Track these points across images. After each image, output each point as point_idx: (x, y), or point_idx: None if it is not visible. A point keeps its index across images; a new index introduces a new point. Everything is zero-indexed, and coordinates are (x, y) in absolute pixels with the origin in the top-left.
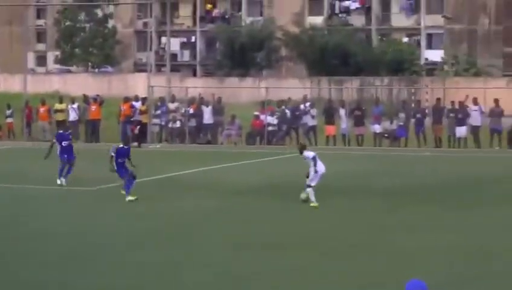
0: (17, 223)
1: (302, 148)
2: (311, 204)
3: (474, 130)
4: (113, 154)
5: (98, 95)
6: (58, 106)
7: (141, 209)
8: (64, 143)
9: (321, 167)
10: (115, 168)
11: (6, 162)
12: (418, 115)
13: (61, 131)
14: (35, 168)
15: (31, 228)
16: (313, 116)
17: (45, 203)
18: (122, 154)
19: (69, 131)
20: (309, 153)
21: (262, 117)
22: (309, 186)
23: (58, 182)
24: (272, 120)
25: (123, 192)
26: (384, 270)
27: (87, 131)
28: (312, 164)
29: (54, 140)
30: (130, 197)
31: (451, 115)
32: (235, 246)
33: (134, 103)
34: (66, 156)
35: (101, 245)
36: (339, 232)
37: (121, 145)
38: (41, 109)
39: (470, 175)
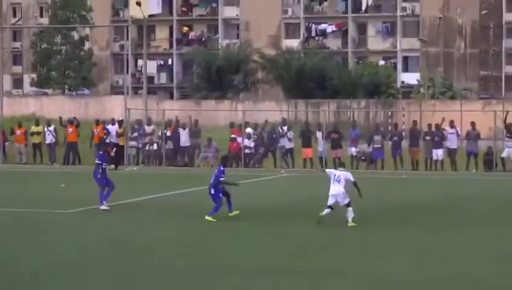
0: None
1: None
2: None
3: (451, 153)
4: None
5: (74, 118)
6: (34, 129)
7: (107, 232)
8: (104, 165)
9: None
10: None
11: None
12: (395, 138)
13: (101, 152)
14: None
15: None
16: (290, 139)
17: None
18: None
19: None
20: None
21: (239, 140)
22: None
23: (102, 207)
24: (249, 143)
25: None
26: None
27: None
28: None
29: (98, 161)
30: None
31: (428, 137)
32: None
33: (110, 125)
34: (105, 178)
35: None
36: (316, 255)
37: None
38: (18, 132)
39: (446, 197)
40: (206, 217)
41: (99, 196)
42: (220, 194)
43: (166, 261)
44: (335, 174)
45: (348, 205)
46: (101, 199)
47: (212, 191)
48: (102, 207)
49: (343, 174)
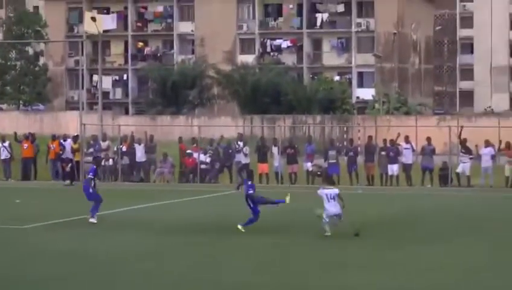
0: None
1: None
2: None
3: (406, 168)
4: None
5: (30, 133)
6: None
7: (64, 248)
8: (95, 179)
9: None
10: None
11: None
12: (351, 153)
13: (94, 166)
14: None
15: None
16: (245, 154)
17: None
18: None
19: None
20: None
21: (195, 155)
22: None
23: (92, 220)
24: (205, 158)
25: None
26: None
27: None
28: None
29: (91, 175)
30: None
31: (383, 153)
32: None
33: (62, 141)
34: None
35: None
36: (277, 269)
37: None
38: None
39: (403, 213)
40: (238, 226)
41: (91, 209)
42: (258, 208)
43: (130, 276)
44: (328, 194)
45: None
46: (93, 213)
47: (252, 205)
48: (92, 220)
49: (334, 191)
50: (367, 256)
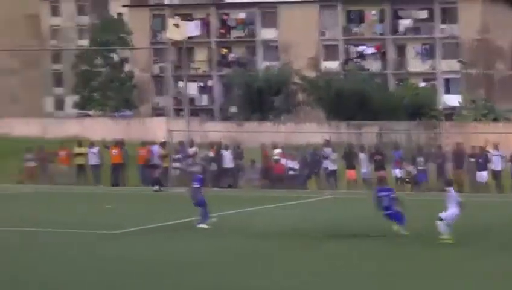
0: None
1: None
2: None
3: (496, 175)
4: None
5: (119, 139)
6: (77, 150)
7: (156, 253)
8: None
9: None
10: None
11: (27, 207)
12: (439, 160)
13: (200, 176)
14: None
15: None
16: (333, 161)
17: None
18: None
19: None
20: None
21: (282, 161)
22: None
23: (202, 225)
24: (293, 164)
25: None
26: None
27: (111, 175)
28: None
29: (198, 185)
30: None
31: (472, 159)
32: None
33: (151, 147)
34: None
35: None
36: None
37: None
38: (61, 153)
39: (493, 221)
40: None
41: (201, 215)
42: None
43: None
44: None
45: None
46: (204, 218)
47: (388, 211)
48: (202, 225)
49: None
50: (458, 265)
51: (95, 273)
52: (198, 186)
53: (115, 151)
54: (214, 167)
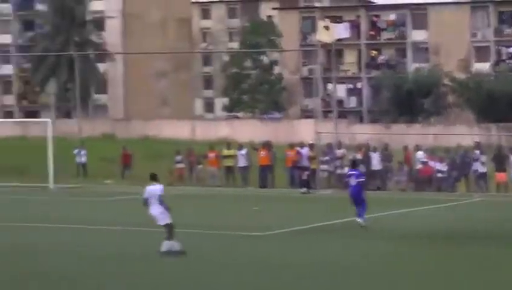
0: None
1: None
2: None
3: None
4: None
5: (267, 141)
6: (226, 152)
7: (305, 256)
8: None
9: None
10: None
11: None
12: None
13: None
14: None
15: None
16: (483, 163)
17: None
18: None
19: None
20: None
21: (431, 163)
22: None
23: (360, 220)
24: (442, 167)
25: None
26: None
27: (259, 176)
28: None
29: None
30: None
31: None
32: None
33: (300, 149)
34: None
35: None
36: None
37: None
38: (210, 155)
39: None
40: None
41: (360, 212)
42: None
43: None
44: None
45: None
46: (361, 214)
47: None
48: (360, 220)
49: None
50: None
51: (247, 275)
52: (362, 180)
53: (263, 153)
54: (362, 169)
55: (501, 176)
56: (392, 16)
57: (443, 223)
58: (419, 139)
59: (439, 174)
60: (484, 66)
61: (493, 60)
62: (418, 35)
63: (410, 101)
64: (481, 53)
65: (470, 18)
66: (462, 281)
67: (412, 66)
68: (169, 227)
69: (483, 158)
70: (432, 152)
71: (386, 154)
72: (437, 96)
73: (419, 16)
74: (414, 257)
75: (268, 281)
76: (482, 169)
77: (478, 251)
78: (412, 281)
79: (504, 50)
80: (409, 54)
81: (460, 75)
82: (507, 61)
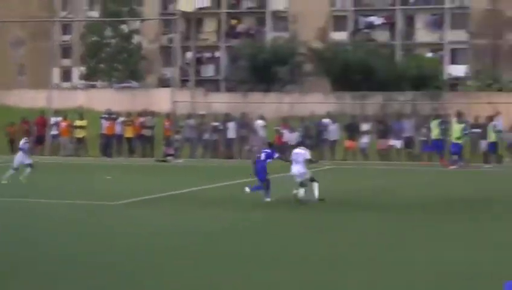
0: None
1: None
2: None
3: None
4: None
5: (110, 111)
6: (78, 123)
7: (151, 224)
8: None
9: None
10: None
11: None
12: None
13: (268, 150)
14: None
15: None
16: (334, 131)
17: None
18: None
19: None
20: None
21: (284, 132)
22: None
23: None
24: (295, 135)
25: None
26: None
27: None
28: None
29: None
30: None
31: (475, 130)
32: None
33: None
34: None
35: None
36: (361, 248)
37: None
38: (63, 124)
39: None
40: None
41: (256, 187)
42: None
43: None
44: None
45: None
46: (256, 188)
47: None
48: (248, 189)
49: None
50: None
51: (96, 244)
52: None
53: (107, 123)
54: (216, 136)
55: (350, 144)
56: None
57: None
58: (275, 107)
59: (292, 142)
60: (342, 36)
61: (351, 30)
62: (278, 5)
63: (267, 70)
64: (339, 22)
65: None
66: (303, 243)
67: (271, 35)
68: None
69: (336, 126)
70: (285, 121)
71: (243, 123)
72: (293, 66)
73: None
74: (263, 223)
75: (110, 250)
76: (334, 137)
77: (323, 216)
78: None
79: (362, 19)
80: (269, 23)
81: (318, 45)
82: (364, 31)
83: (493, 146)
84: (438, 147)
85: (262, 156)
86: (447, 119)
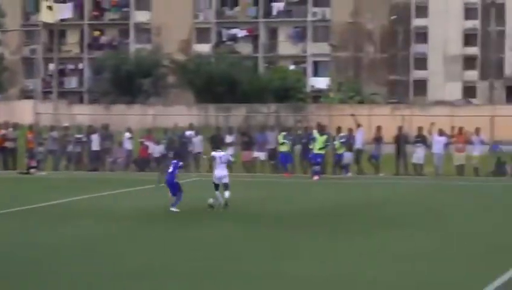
0: None
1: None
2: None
3: (358, 155)
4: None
5: None
6: None
7: (24, 238)
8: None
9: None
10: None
11: None
12: (304, 140)
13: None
14: None
15: None
16: (198, 143)
17: None
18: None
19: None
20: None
21: (149, 144)
22: None
23: (174, 209)
24: (159, 147)
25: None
26: None
27: None
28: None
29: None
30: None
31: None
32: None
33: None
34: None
35: None
36: (217, 257)
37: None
38: None
39: (357, 200)
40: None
41: (176, 200)
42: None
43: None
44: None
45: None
46: (176, 203)
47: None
48: (174, 209)
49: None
50: (320, 244)
51: None
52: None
53: None
54: (81, 149)
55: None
56: None
57: (142, 204)
58: (138, 119)
59: (157, 155)
60: (205, 48)
61: (214, 42)
62: (141, 16)
63: (130, 82)
64: (203, 35)
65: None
66: (158, 256)
67: (134, 47)
68: None
69: (199, 138)
70: (149, 133)
71: (106, 135)
72: (157, 77)
73: None
74: (121, 237)
75: None
76: (198, 149)
77: (197, 232)
78: (111, 260)
79: (225, 32)
80: (132, 34)
81: (181, 57)
82: (227, 43)
83: (340, 157)
84: (285, 159)
85: (171, 168)
86: (292, 132)
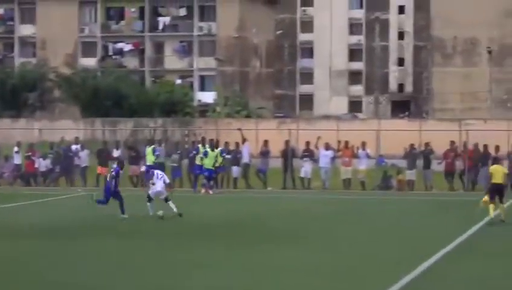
0: None
1: None
2: None
3: (245, 169)
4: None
5: None
6: None
7: None
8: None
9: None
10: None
11: None
12: (191, 155)
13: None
14: None
15: None
16: (85, 157)
17: None
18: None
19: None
20: None
21: (35, 158)
22: None
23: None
24: (46, 162)
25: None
26: None
27: None
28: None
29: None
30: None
31: (227, 156)
32: None
33: None
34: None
35: None
36: (120, 273)
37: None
38: None
39: (245, 215)
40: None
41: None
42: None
43: None
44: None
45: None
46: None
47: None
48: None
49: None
50: (216, 256)
51: None
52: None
53: None
54: None
55: (102, 170)
56: (0, 10)
57: (29, 219)
58: (24, 133)
59: (43, 169)
60: (91, 62)
61: (100, 56)
62: (26, 30)
63: (16, 96)
64: (88, 49)
65: (78, 13)
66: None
67: (19, 60)
68: None
69: (86, 152)
70: (35, 147)
71: None
72: (42, 91)
73: (27, 10)
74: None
75: None
76: (84, 163)
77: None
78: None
79: (111, 46)
80: (16, 48)
81: (67, 70)
82: (114, 57)
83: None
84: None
85: (110, 175)
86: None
